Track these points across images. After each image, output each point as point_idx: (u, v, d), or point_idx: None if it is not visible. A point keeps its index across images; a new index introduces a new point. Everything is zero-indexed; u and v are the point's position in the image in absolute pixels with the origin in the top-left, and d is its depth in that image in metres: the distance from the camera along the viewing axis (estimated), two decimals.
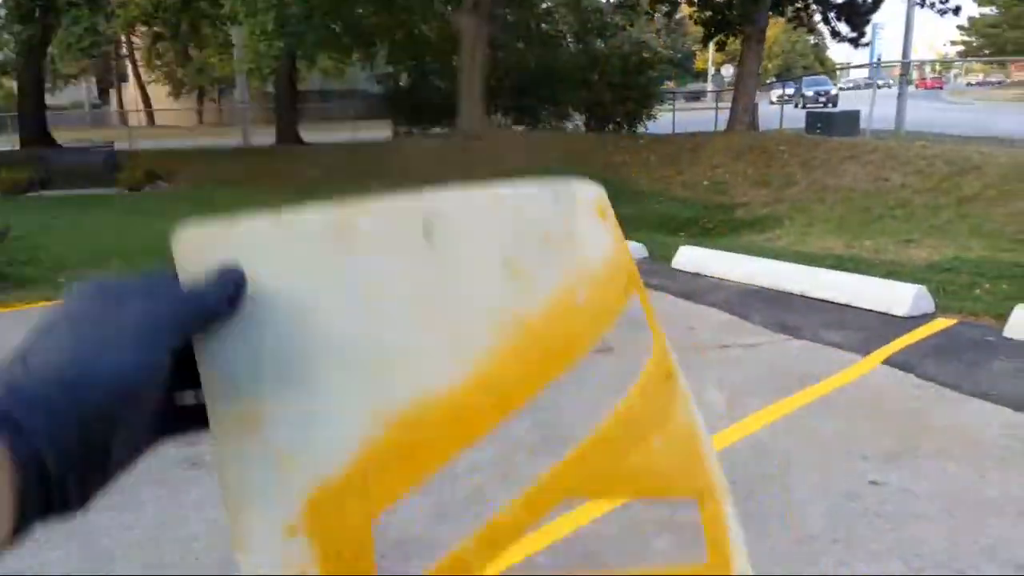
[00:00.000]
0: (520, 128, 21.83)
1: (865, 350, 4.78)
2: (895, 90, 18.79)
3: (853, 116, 17.19)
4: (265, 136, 22.26)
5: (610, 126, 22.44)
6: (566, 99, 21.79)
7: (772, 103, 30.84)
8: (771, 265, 6.63)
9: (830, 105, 29.03)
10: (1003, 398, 3.97)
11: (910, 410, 3.95)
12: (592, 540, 2.89)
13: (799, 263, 6.66)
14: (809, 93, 32.17)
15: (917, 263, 7.22)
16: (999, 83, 57.89)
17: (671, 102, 24.71)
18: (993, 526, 2.90)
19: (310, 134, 22.28)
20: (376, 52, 23.55)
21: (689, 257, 7.22)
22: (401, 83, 23.57)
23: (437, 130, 21.75)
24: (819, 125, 17.25)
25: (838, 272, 6.32)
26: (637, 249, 7.77)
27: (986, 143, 11.99)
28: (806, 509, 3.07)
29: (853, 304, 5.69)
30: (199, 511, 3.19)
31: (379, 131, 23.66)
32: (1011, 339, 4.78)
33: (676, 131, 19.71)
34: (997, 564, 2.67)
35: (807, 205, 11.16)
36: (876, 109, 15.51)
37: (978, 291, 5.92)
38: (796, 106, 28.52)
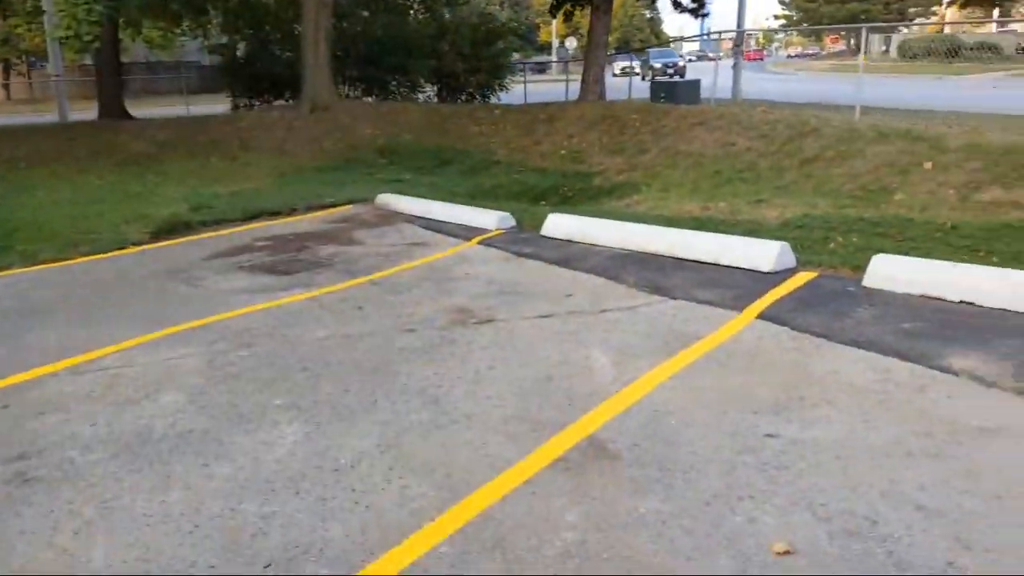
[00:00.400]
0: (370, 99, 21.10)
1: (739, 307, 4.86)
2: (726, 62, 19.69)
3: (694, 85, 17.81)
4: (86, 112, 20.26)
5: (463, 97, 22.16)
6: (416, 69, 21.27)
7: (615, 75, 31.59)
8: (638, 229, 6.66)
9: (678, 77, 30.00)
10: (872, 344, 4.13)
11: (790, 362, 4.02)
12: (500, 523, 2.69)
13: (663, 226, 6.73)
14: (657, 65, 33.10)
15: (771, 222, 7.50)
16: (815, 54, 62.70)
17: (522, 73, 24.72)
18: (884, 469, 2.96)
19: (137, 109, 20.51)
20: (209, 20, 21.96)
21: (558, 224, 7.15)
22: (238, 53, 22.13)
23: (281, 102, 20.63)
24: (663, 95, 17.75)
25: (702, 233, 6.43)
26: (504, 218, 7.63)
27: (817, 109, 12.72)
28: (709, 468, 3.02)
29: (720, 263, 5.80)
30: (35, 537, 2.72)
31: (215, 104, 22.17)
32: (870, 288, 5.01)
33: (528, 102, 19.72)
34: (896, 507, 2.71)
35: (661, 171, 11.42)
36: (711, 79, 16.13)
37: (832, 245, 6.19)
38: (643, 79, 29.23)
